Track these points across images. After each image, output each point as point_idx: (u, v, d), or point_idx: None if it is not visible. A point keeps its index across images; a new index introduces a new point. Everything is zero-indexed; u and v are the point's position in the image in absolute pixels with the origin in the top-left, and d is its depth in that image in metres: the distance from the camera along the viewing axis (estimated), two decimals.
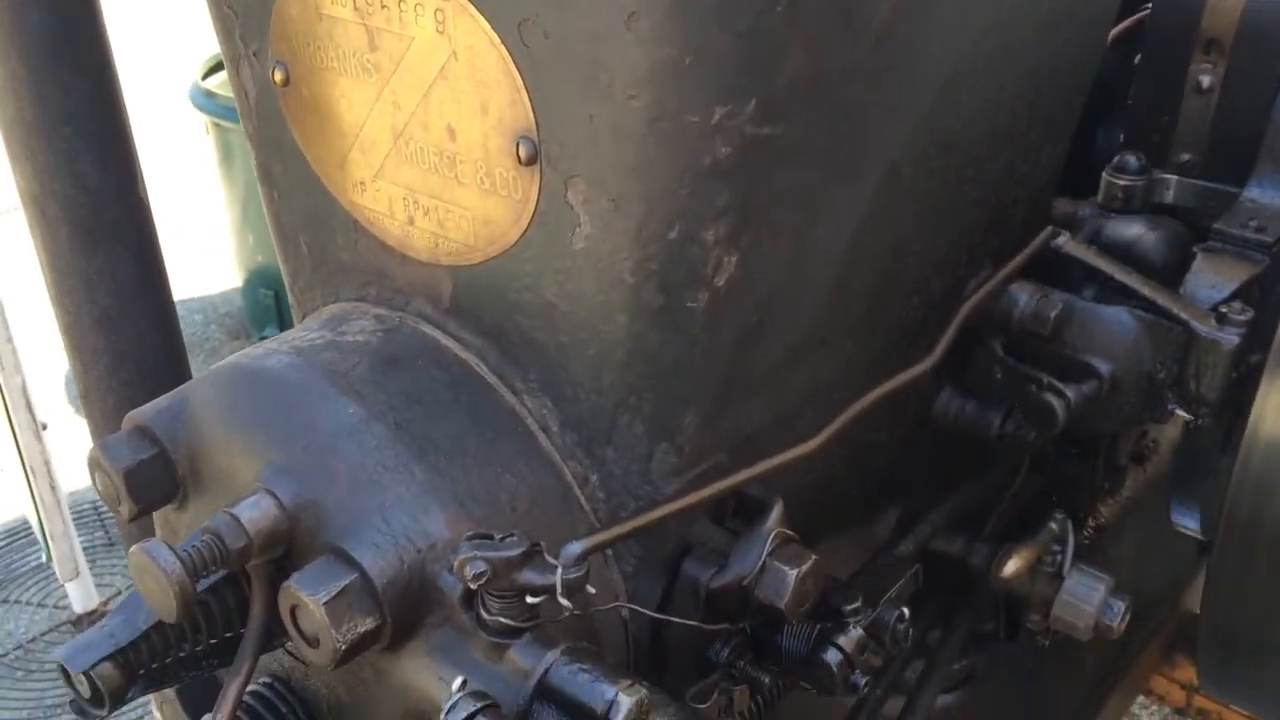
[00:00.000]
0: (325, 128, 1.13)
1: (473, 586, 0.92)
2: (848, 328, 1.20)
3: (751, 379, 1.11)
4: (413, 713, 0.99)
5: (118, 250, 1.22)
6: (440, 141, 1.03)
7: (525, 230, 1.01)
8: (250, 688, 1.17)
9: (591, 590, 0.95)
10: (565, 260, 1.00)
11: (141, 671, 1.01)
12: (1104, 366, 1.41)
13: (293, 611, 0.97)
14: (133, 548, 0.95)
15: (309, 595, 0.94)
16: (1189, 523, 1.71)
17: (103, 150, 1.19)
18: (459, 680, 0.91)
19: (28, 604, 3.26)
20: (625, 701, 0.89)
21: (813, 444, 1.10)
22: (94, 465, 1.11)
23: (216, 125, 4.12)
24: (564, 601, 0.90)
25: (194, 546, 0.97)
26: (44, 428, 2.57)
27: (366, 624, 0.96)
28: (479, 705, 0.88)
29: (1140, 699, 2.92)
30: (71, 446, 3.17)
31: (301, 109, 1.14)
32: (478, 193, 1.03)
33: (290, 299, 1.30)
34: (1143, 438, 1.87)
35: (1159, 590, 2.28)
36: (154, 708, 1.27)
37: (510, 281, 1.05)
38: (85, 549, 3.18)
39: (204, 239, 4.80)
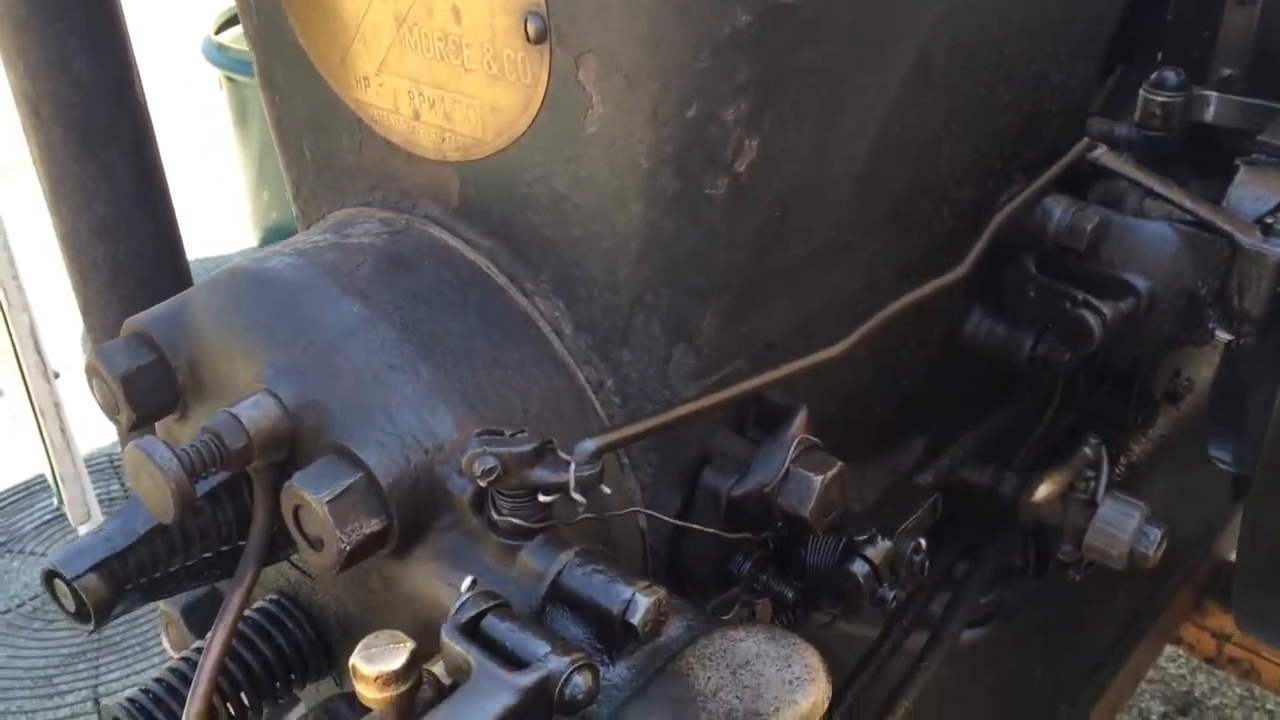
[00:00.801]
0: (326, 21, 1.08)
1: (482, 484, 0.87)
2: (874, 231, 1.14)
3: (773, 280, 1.06)
4: (422, 620, 0.95)
5: (114, 155, 1.17)
6: (445, 25, 0.98)
7: (535, 117, 0.96)
8: (257, 604, 1.13)
9: (606, 490, 0.90)
10: (577, 147, 0.95)
11: (129, 585, 0.97)
12: (1142, 283, 1.35)
13: (295, 513, 0.93)
14: (128, 445, 0.91)
15: (311, 494, 0.90)
16: (1226, 455, 1.65)
17: (97, 49, 1.14)
18: (468, 580, 0.87)
19: (44, 555, 3.25)
20: (643, 601, 0.85)
21: (838, 348, 1.05)
22: (91, 372, 1.07)
23: (230, 80, 4.08)
24: (577, 496, 0.85)
25: (192, 446, 0.92)
26: (56, 376, 2.54)
27: (372, 525, 0.91)
28: (489, 604, 0.84)
29: (1169, 651, 2.87)
30: (86, 398, 3.15)
31: (302, 2, 1.09)
32: (485, 79, 0.98)
33: (294, 211, 1.26)
34: (1176, 376, 1.81)
35: (1191, 535, 2.22)
36: (161, 629, 1.24)
37: (520, 174, 1.00)
38: (101, 500, 3.16)
39: (219, 197, 4.77)
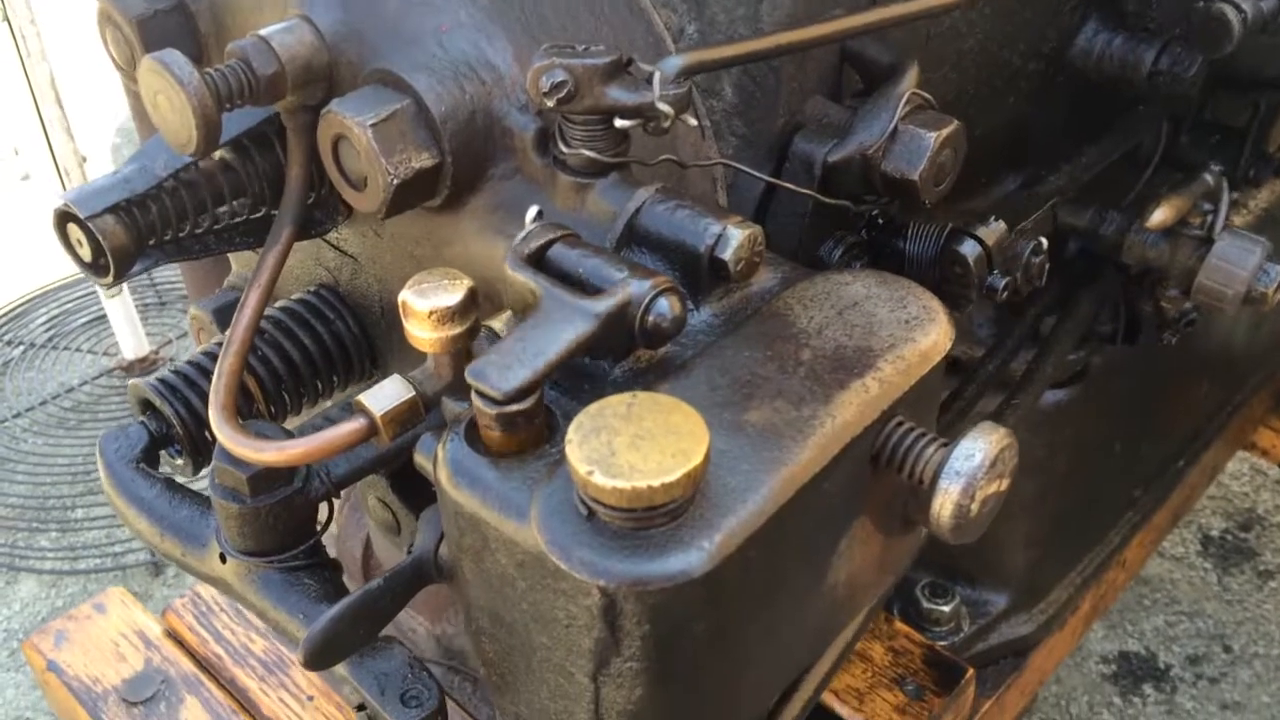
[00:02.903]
0: None
1: (549, 103, 0.75)
2: None
3: None
4: (479, 281, 0.84)
5: None
6: None
7: None
8: (295, 296, 1.04)
9: (692, 122, 0.78)
10: None
11: (152, 241, 0.87)
12: None
13: (335, 148, 0.82)
14: (143, 59, 0.79)
15: (354, 118, 0.78)
16: None
17: None
18: (534, 210, 0.76)
19: (78, 350, 3.22)
20: (735, 235, 0.73)
21: None
22: (104, 20, 0.95)
23: None
24: (664, 107, 0.73)
25: (217, 70, 0.81)
26: (84, 160, 2.44)
27: (422, 159, 0.80)
28: (557, 234, 0.73)
29: (1233, 468, 2.78)
30: None
31: None
32: None
33: None
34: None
35: (1276, 333, 2.08)
36: (191, 335, 1.15)
37: None
38: (137, 308, 3.10)
39: None
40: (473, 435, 0.67)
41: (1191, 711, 2.34)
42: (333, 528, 1.40)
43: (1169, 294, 1.35)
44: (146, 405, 0.96)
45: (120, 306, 2.41)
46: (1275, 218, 1.71)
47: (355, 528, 1.42)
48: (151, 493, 0.90)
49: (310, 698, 1.48)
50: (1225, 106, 1.51)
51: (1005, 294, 0.94)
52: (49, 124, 1.95)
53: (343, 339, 1.01)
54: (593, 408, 0.61)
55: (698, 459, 0.57)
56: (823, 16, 0.90)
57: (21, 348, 3.29)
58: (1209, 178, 1.27)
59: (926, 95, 0.88)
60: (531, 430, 0.66)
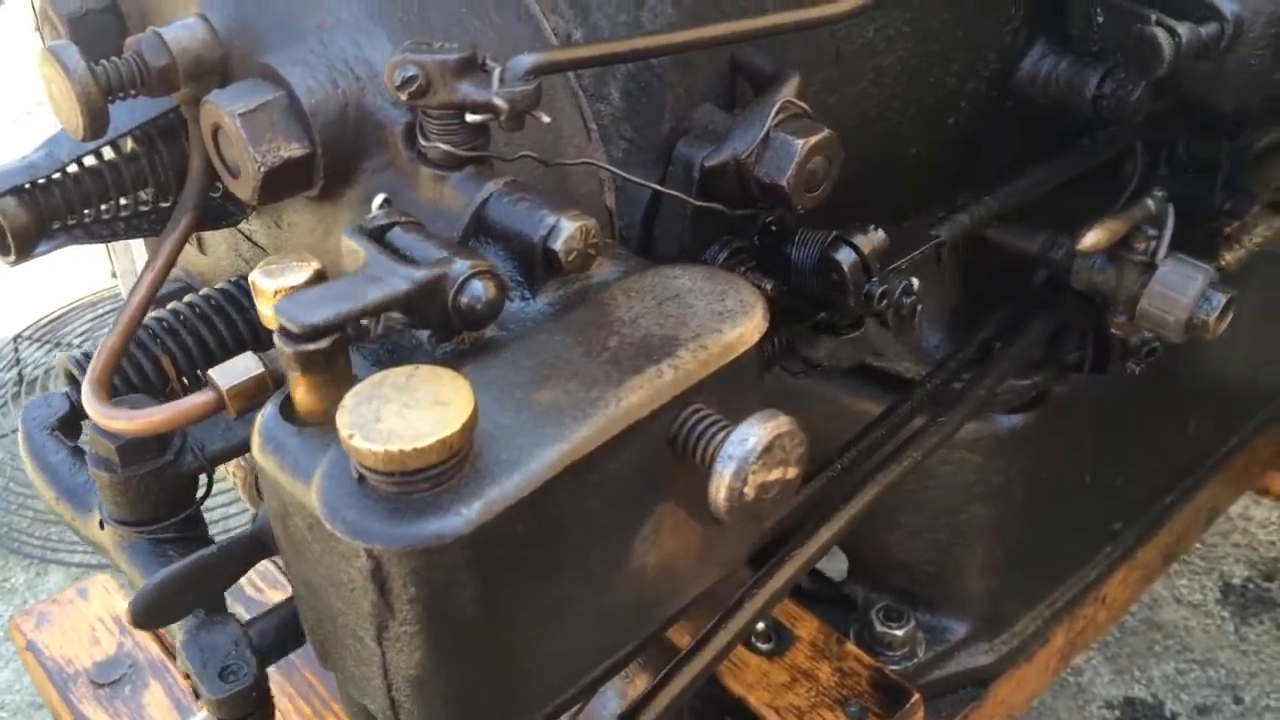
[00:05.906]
0: None
1: (402, 96, 0.78)
2: None
3: None
4: None
5: None
6: None
7: None
8: (216, 286, 1.08)
9: (545, 119, 0.80)
10: None
11: (56, 223, 0.92)
12: (1229, 5, 1.17)
13: (215, 137, 0.86)
14: (39, 50, 0.84)
15: (226, 108, 0.83)
16: None
17: None
18: (380, 197, 0.79)
19: None
20: (567, 226, 0.75)
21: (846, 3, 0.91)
22: (43, 18, 1.01)
23: None
24: (499, 103, 0.75)
25: (110, 60, 0.86)
26: None
27: (292, 149, 0.84)
28: (401, 219, 0.76)
29: (1260, 516, 2.69)
30: None
31: None
32: None
33: None
34: None
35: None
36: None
37: None
38: None
39: None
40: (287, 407, 0.70)
41: None
42: None
43: (1117, 320, 1.33)
44: (71, 378, 1.01)
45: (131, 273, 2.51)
46: (1271, 259, 1.67)
47: None
48: (57, 458, 0.95)
49: None
50: (1198, 143, 1.49)
51: (881, 302, 0.94)
52: None
53: (256, 327, 1.05)
54: (375, 377, 0.63)
55: (454, 427, 0.59)
56: (698, 24, 0.93)
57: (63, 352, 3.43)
58: (1150, 202, 1.25)
59: (802, 104, 0.90)
60: (337, 396, 0.68)
